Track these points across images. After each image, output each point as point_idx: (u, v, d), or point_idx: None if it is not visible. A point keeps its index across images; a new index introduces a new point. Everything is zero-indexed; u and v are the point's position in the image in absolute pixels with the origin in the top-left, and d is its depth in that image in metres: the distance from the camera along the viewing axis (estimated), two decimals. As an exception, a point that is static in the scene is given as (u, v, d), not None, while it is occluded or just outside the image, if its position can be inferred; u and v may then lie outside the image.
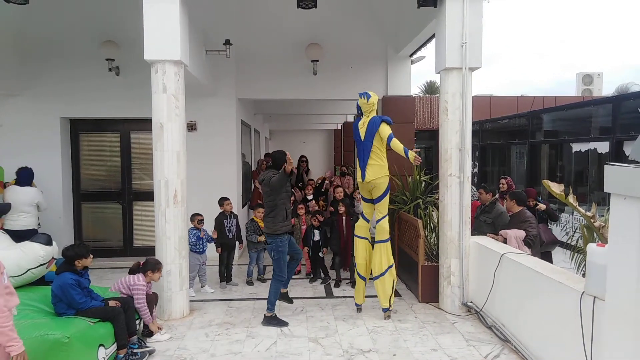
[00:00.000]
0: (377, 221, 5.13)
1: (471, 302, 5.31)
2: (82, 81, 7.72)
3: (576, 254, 5.85)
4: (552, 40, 79.32)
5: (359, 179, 5.15)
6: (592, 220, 4.20)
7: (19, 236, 5.74)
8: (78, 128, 8.14)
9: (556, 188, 4.33)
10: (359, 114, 5.21)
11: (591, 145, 9.06)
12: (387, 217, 5.13)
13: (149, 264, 4.75)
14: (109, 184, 8.24)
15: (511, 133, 13.00)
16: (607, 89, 17.54)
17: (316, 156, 16.28)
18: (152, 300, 4.71)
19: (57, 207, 7.75)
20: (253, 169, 10.43)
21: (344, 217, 6.57)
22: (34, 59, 7.70)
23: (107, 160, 8.25)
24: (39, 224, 6.72)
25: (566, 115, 10.36)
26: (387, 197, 5.09)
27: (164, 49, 5.07)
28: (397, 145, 4.78)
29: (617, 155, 8.42)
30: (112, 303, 4.25)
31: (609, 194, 2.94)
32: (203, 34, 6.79)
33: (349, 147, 12.99)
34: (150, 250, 7.61)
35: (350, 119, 13.07)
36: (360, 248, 5.34)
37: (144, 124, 7.84)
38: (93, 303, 4.14)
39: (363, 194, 5.30)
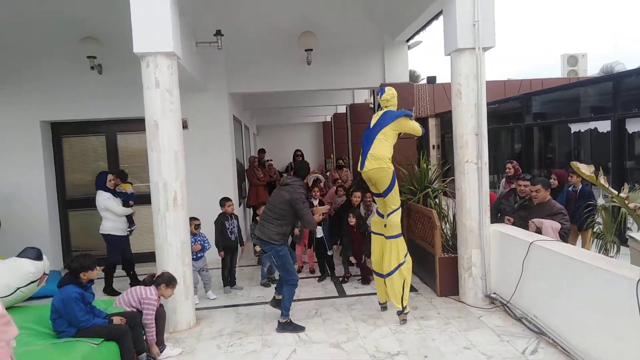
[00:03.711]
0: (388, 215, 4.82)
1: (495, 293, 5.07)
2: (62, 81, 7.23)
3: (596, 239, 5.69)
4: (535, 23, 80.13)
5: (358, 168, 4.86)
6: (626, 202, 3.97)
7: (106, 241, 6.30)
8: (60, 132, 7.64)
9: (586, 170, 4.07)
10: (379, 108, 4.98)
11: (591, 125, 8.93)
12: (398, 211, 4.81)
13: (164, 277, 4.32)
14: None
15: (503, 117, 12.83)
16: (591, 69, 17.59)
17: (305, 149, 15.93)
18: (162, 315, 4.29)
19: (41, 216, 7.29)
20: (246, 167, 10.04)
21: (354, 230, 6.17)
22: (9, 59, 7.17)
23: (93, 165, 7.74)
24: (129, 230, 6.50)
25: (563, 96, 10.22)
26: (395, 189, 4.75)
27: (155, 41, 4.63)
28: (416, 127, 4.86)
29: (619, 134, 8.31)
30: (116, 320, 3.86)
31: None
32: (192, 25, 6.37)
33: (341, 138, 12.61)
34: (145, 257, 7.22)
35: (341, 110, 12.75)
36: (375, 244, 5.05)
37: (131, 124, 7.41)
38: (96, 321, 3.75)
39: (370, 188, 5.01)
